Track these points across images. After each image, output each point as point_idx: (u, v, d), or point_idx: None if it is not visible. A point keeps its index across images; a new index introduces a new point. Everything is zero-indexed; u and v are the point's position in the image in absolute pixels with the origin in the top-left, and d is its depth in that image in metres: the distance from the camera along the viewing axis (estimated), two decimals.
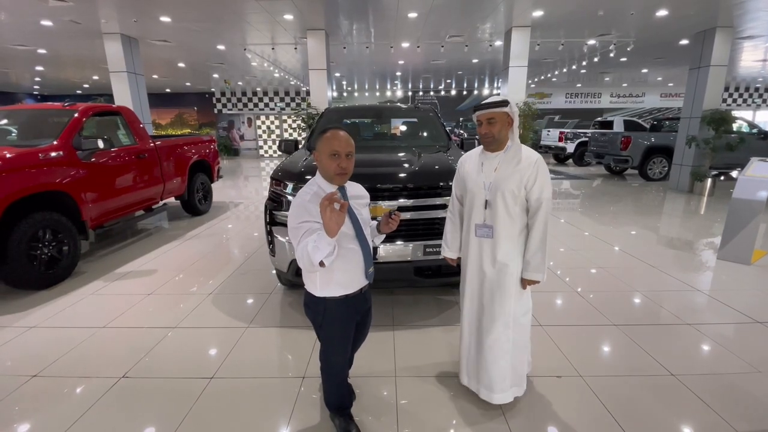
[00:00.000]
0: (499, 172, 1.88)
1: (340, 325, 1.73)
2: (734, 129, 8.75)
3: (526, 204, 1.88)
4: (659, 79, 16.40)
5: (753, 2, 6.62)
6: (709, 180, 7.97)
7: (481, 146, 2.00)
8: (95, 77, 14.04)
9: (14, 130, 4.42)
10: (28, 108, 4.88)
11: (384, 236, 1.84)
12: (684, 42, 9.39)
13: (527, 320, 2.01)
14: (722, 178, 9.60)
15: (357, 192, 1.77)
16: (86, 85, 16.24)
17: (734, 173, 9.93)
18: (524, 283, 1.92)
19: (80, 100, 5.00)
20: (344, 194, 1.66)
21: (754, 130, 9.58)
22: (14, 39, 8.80)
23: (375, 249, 2.26)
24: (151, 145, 5.35)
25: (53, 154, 3.79)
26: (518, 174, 1.84)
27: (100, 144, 4.18)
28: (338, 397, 1.90)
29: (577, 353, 2.55)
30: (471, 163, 2.01)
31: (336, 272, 1.63)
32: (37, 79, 14.68)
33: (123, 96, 8.44)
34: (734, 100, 18.98)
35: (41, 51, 9.96)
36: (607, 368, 2.42)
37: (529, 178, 1.83)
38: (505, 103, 1.82)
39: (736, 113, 8.54)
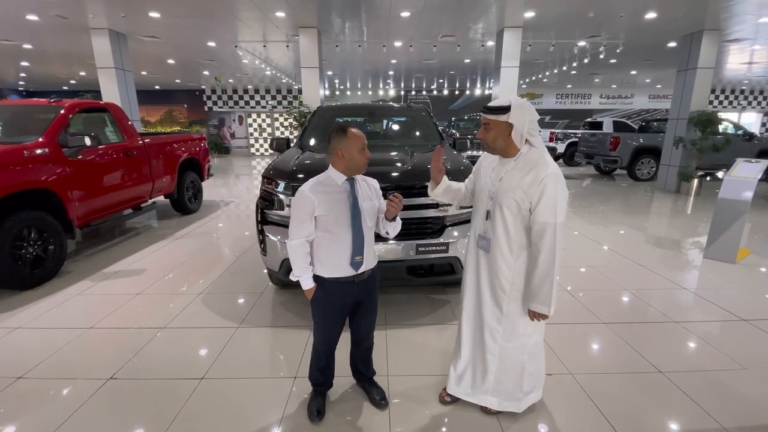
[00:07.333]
0: (504, 182, 1.69)
1: (321, 306, 1.83)
2: (720, 130, 8.90)
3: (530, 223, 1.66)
4: (648, 80, 16.62)
5: (740, 6, 6.74)
6: (696, 180, 8.11)
7: None
8: (82, 73, 13.78)
9: None
10: (12, 104, 4.77)
11: (396, 224, 1.86)
12: (672, 44, 9.52)
13: (534, 341, 1.88)
14: (708, 178, 9.77)
15: (371, 184, 1.86)
16: (73, 81, 15.92)
17: (720, 174, 10.13)
18: (530, 314, 1.74)
19: (67, 97, 4.90)
20: (353, 185, 1.75)
21: (740, 132, 9.77)
22: None
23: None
24: (140, 142, 5.27)
25: (38, 151, 3.72)
26: (521, 188, 1.62)
27: (87, 141, 4.10)
28: (315, 373, 2.00)
29: (567, 351, 2.58)
30: (488, 164, 1.83)
31: (323, 255, 1.75)
32: (23, 74, 14.35)
33: (111, 92, 8.29)
34: (720, 102, 19.31)
35: (27, 46, 9.74)
36: (596, 365, 2.45)
37: (533, 196, 1.60)
38: (504, 109, 1.61)
39: (722, 115, 8.69)
